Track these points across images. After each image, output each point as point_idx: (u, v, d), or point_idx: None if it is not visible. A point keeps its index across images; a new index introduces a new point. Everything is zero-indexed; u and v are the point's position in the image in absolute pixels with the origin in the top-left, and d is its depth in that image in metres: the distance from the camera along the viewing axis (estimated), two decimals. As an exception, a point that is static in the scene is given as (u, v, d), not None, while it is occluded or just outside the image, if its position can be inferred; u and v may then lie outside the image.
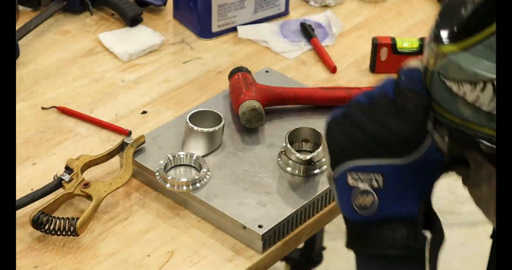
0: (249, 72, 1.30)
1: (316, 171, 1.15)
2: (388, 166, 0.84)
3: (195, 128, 1.18)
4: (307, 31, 1.51)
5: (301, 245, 2.12)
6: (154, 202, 1.15)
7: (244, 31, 1.51)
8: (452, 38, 0.80)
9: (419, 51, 1.39)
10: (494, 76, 0.77)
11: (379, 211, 0.84)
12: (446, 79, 0.81)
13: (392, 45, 1.40)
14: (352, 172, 0.86)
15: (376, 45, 1.40)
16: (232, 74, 1.30)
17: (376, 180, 0.85)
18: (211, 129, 1.18)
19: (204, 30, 1.50)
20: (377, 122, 0.85)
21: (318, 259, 2.18)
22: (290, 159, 1.14)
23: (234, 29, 1.52)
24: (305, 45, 1.49)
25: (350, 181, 0.86)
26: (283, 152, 1.16)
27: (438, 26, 0.82)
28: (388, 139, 0.84)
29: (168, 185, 1.12)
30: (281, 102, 1.27)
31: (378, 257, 0.87)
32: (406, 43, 1.40)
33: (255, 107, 1.21)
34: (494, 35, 0.77)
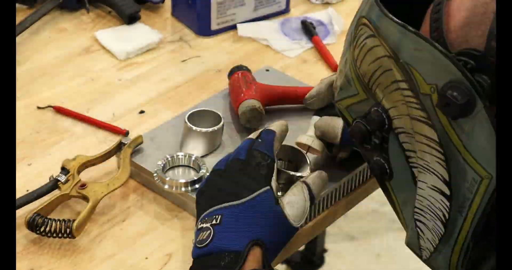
0: (249, 70, 1.30)
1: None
2: (227, 207, 0.99)
3: (194, 128, 1.18)
4: (308, 29, 1.51)
5: (302, 248, 2.12)
6: (152, 203, 1.15)
7: (244, 29, 1.51)
8: None
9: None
10: None
11: (213, 242, 0.97)
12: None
13: None
14: (202, 219, 1.00)
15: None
16: (231, 72, 1.30)
17: (216, 219, 0.99)
18: (210, 129, 1.18)
19: (203, 28, 1.51)
20: (228, 179, 1.02)
21: (320, 262, 2.19)
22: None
23: (233, 27, 1.52)
24: (306, 43, 1.49)
25: (199, 226, 1.00)
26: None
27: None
28: (235, 190, 1.00)
29: (166, 186, 1.12)
30: (281, 101, 1.27)
31: None
32: None
33: (255, 106, 1.21)
34: None
